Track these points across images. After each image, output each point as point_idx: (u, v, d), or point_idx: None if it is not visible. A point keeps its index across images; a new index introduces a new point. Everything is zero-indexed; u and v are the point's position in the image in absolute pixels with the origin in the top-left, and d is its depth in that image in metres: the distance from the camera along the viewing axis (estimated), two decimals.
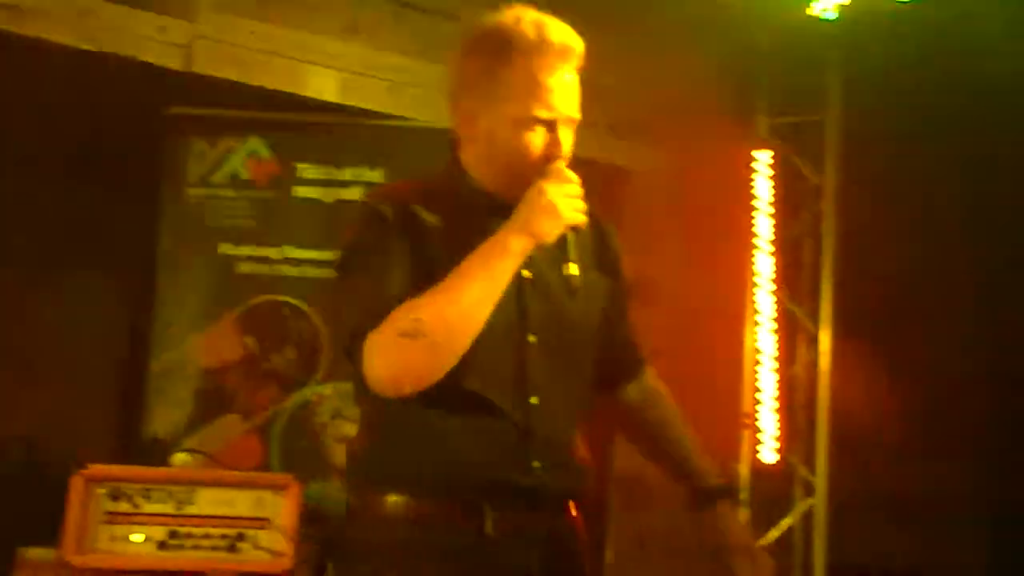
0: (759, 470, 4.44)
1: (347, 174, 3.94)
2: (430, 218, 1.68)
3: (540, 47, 1.67)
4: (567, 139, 1.71)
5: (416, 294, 1.58)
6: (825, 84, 4.51)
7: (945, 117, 4.05)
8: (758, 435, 4.41)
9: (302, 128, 3.92)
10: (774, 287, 4.51)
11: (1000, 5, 3.69)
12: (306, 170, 3.92)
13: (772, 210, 4.47)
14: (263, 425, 3.79)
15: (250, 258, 3.85)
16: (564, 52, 1.69)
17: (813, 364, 4.55)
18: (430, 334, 1.53)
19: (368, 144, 3.98)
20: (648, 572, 4.45)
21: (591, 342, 1.79)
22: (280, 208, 3.89)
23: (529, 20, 1.69)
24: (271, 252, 3.86)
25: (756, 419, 4.41)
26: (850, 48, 4.24)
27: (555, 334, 1.74)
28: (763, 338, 4.46)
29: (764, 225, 4.47)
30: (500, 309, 1.63)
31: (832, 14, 3.91)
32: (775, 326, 4.49)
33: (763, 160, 4.46)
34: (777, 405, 4.42)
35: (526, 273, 1.66)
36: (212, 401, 3.75)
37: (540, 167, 1.68)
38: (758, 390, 4.43)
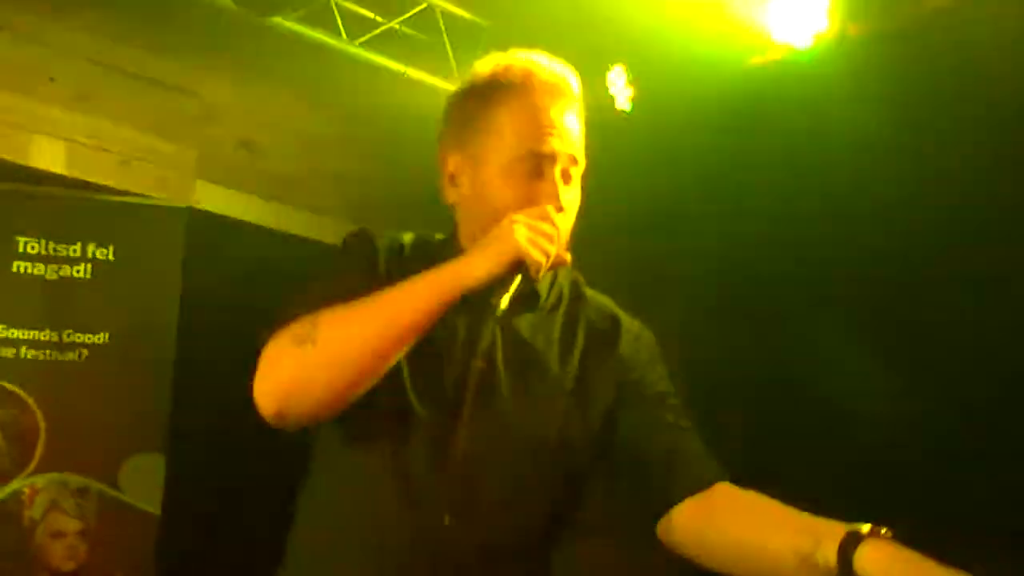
0: None
1: (74, 250, 3.82)
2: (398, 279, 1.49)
3: (527, 86, 1.55)
4: (562, 185, 1.52)
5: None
6: None
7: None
8: None
9: (24, 199, 3.80)
10: None
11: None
12: (28, 244, 3.77)
13: None
14: None
15: None
16: (554, 90, 1.56)
17: None
18: (322, 341, 1.38)
19: (98, 220, 3.91)
20: None
21: (557, 450, 1.54)
22: None
23: (515, 61, 1.59)
24: None
25: None
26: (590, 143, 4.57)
27: (495, 445, 1.52)
28: None
29: None
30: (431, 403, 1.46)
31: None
32: None
33: None
34: None
35: (478, 363, 1.42)
36: None
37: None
38: None
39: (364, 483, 1.50)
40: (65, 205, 3.87)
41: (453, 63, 4.10)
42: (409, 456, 1.48)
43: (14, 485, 3.64)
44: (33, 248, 3.80)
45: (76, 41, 3.83)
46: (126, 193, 4.02)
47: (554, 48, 4.24)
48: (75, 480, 3.77)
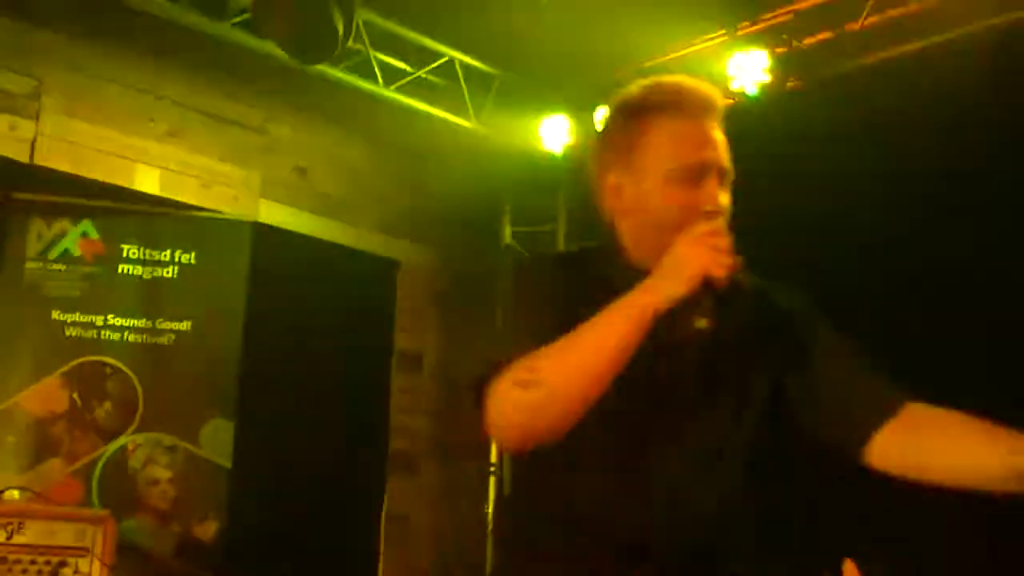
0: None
1: (165, 255, 4.43)
2: (581, 300, 1.53)
3: (678, 103, 1.58)
4: (719, 191, 1.56)
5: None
6: (555, 203, 5.23)
7: None
8: (503, 480, 5.04)
9: (127, 215, 4.40)
10: None
11: None
12: (130, 250, 4.40)
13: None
14: (84, 468, 4.14)
15: (76, 323, 4.26)
16: (704, 106, 1.59)
17: None
18: (545, 383, 1.45)
19: (183, 231, 4.48)
20: None
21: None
22: (105, 281, 4.33)
23: (665, 82, 1.62)
24: (96, 319, 4.29)
25: (500, 468, 5.04)
26: (574, 176, 4.72)
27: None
28: None
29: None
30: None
31: (559, 150, 4.71)
32: None
33: (504, 259, 5.13)
34: None
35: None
36: (40, 447, 4.09)
37: (691, 225, 1.50)
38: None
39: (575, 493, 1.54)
40: (158, 219, 4.43)
41: (469, 106, 4.64)
42: (612, 475, 1.52)
43: (120, 441, 4.20)
44: (134, 254, 4.38)
45: (169, 89, 4.39)
46: (205, 210, 4.48)
47: (554, 91, 5.09)
48: (166, 439, 4.30)
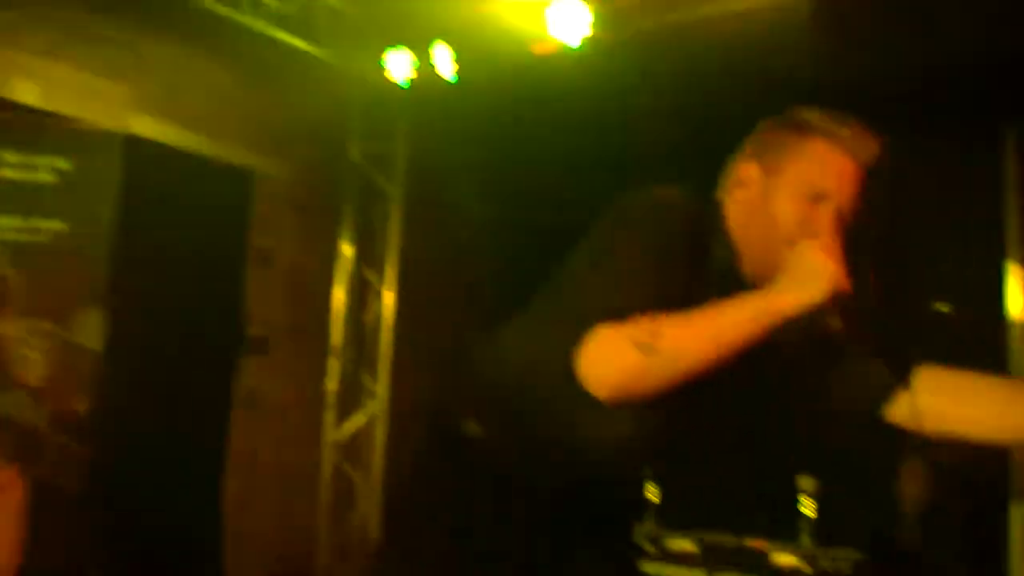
0: (341, 384, 5.63)
1: (42, 162, 4.74)
2: (686, 257, 1.58)
3: (835, 134, 1.64)
4: (831, 224, 1.60)
5: (659, 311, 1.48)
6: (399, 124, 5.64)
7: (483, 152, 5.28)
8: (343, 361, 5.69)
9: (7, 124, 4.69)
10: (356, 260, 5.68)
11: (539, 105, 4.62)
12: (8, 156, 4.70)
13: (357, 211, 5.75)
14: None
15: None
16: (855, 146, 1.64)
17: (381, 312, 5.69)
18: (663, 354, 1.45)
19: (60, 140, 4.77)
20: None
21: None
22: None
23: (830, 115, 1.68)
24: None
25: (340, 349, 5.73)
26: (418, 103, 5.39)
27: None
28: (348, 295, 5.67)
29: (348, 217, 5.71)
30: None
31: (403, 81, 5.21)
32: (355, 286, 5.64)
33: (350, 173, 5.75)
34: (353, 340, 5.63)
35: None
36: None
37: (795, 241, 1.58)
38: (344, 331, 5.72)
39: None
40: (36, 129, 4.72)
41: (322, 36, 5.10)
42: None
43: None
44: (13, 159, 4.67)
45: (46, 6, 4.64)
46: (81, 121, 4.79)
47: (398, 27, 5.61)
48: (41, 325, 4.63)
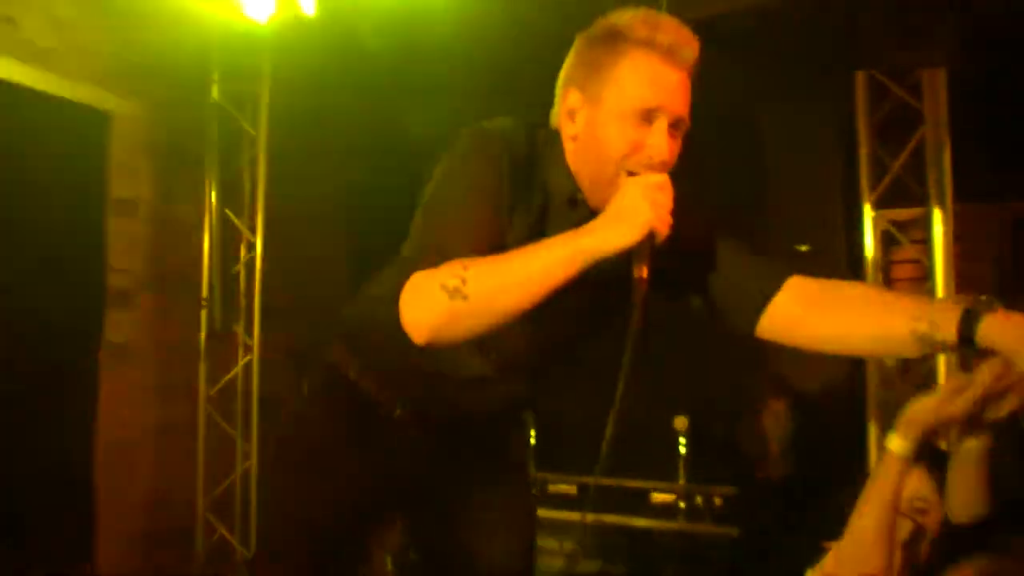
0: (212, 335, 5.57)
1: None
2: (521, 191, 1.54)
3: (650, 43, 1.55)
4: (669, 141, 1.55)
5: (476, 255, 1.46)
6: (263, 65, 5.48)
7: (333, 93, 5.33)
8: (213, 311, 5.62)
9: None
10: (223, 207, 5.56)
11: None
12: None
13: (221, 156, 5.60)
14: None
15: None
16: (674, 52, 1.55)
17: (250, 260, 5.60)
18: (471, 297, 1.43)
19: None
20: None
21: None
22: None
23: (643, 18, 1.58)
24: None
25: (211, 300, 5.63)
26: (277, 44, 5.25)
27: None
28: (217, 243, 5.61)
29: (212, 163, 5.59)
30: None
31: (264, 21, 4.88)
32: (223, 234, 5.55)
33: (212, 116, 5.55)
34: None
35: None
36: None
37: (632, 167, 1.54)
38: (211, 282, 5.63)
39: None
40: None
41: None
42: None
43: None
44: None
45: None
46: None
47: None
48: None
